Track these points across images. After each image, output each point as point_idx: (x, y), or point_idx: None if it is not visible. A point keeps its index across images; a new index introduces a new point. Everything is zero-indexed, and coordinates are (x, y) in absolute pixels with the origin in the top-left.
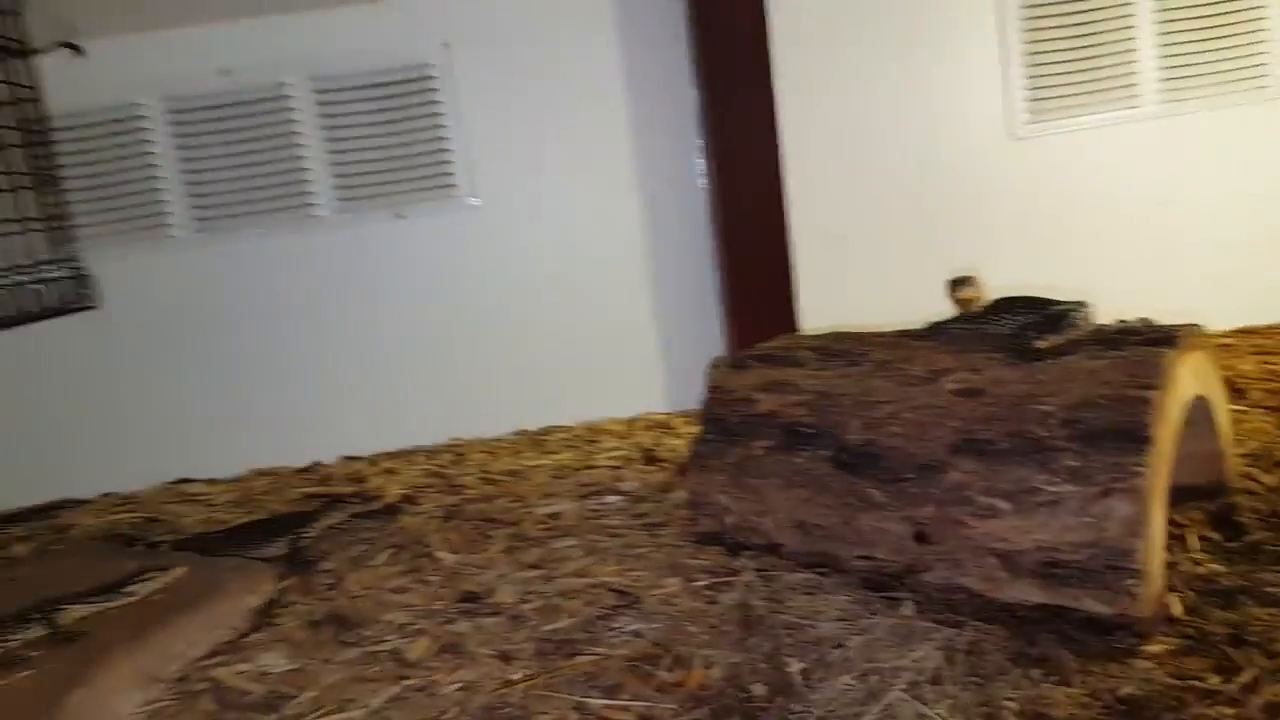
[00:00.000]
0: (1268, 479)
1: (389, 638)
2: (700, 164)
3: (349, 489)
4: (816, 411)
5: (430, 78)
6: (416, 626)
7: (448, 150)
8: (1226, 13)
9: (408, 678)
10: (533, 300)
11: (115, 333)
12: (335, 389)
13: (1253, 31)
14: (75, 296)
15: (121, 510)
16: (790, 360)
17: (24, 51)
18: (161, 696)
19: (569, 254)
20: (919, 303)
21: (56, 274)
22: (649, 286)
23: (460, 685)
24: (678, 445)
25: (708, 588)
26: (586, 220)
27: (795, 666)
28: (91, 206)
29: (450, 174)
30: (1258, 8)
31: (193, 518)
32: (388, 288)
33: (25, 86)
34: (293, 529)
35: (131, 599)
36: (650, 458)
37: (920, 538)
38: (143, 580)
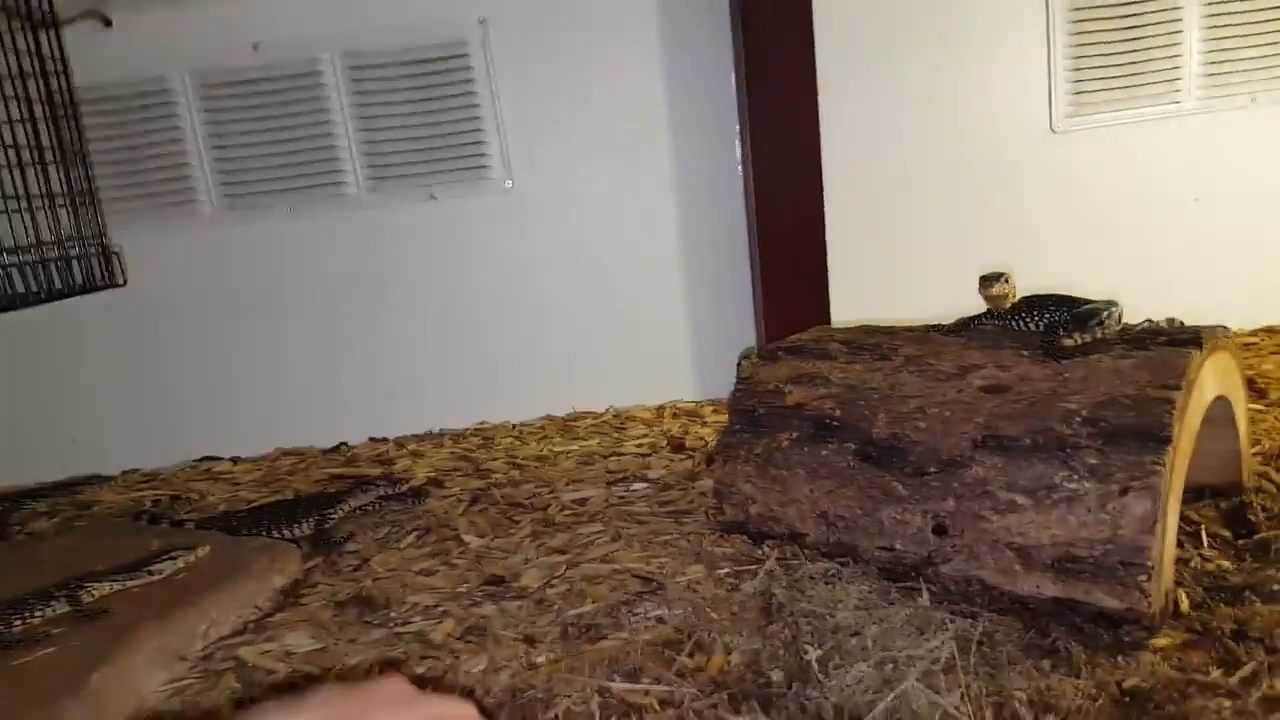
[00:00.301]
0: None
1: (414, 619)
2: (738, 152)
3: (376, 471)
4: (844, 405)
5: (465, 55)
6: (441, 608)
7: (482, 131)
8: (1273, 6)
9: (432, 659)
10: (564, 285)
11: (141, 309)
12: (363, 370)
13: None
14: (102, 274)
15: (145, 487)
16: (820, 353)
17: (51, 22)
18: (185, 675)
19: (602, 239)
20: (952, 298)
21: (84, 251)
22: (682, 274)
23: (484, 667)
24: (706, 434)
25: (730, 575)
26: (621, 206)
27: (813, 654)
28: (119, 182)
29: (484, 155)
30: None
31: (217, 496)
32: (417, 269)
33: (52, 58)
34: (319, 510)
35: (155, 577)
36: (678, 446)
37: (940, 530)
38: (166, 559)
